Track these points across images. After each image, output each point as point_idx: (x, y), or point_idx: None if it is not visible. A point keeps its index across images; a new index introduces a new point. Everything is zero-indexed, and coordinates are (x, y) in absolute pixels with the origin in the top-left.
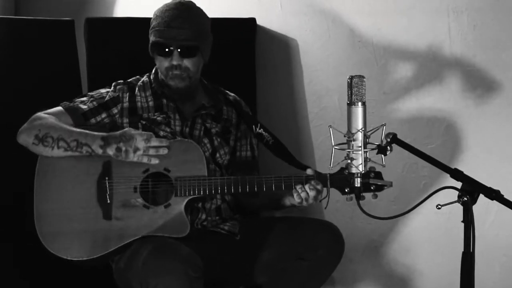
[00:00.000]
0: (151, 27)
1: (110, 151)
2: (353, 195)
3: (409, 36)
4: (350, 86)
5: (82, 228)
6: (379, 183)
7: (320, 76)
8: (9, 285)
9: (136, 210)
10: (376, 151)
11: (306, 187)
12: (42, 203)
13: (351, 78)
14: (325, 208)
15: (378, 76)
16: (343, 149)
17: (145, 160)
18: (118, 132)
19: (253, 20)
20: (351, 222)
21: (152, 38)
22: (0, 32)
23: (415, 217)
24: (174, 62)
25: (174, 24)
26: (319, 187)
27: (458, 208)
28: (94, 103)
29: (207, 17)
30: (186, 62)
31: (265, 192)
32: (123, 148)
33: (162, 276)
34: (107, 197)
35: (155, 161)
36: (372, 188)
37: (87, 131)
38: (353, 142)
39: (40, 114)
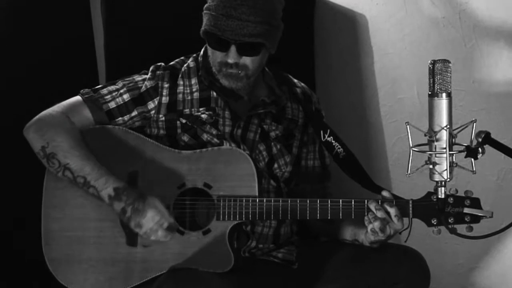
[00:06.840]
0: (206, 6)
1: (117, 207)
2: (441, 228)
3: (504, 10)
4: (432, 73)
5: (99, 256)
6: (476, 214)
7: (395, 60)
8: None
9: None
10: (464, 154)
11: (380, 213)
12: (51, 222)
13: (434, 63)
14: (405, 241)
15: (466, 61)
16: (424, 152)
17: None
18: (135, 193)
19: None
20: (433, 241)
21: (204, 24)
22: (6, 5)
23: None
24: (230, 60)
25: (235, 13)
26: (393, 212)
27: None
28: (125, 96)
29: (281, 1)
30: (245, 60)
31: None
32: (127, 214)
33: None
34: None
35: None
36: (466, 219)
37: (102, 170)
38: (435, 143)
39: (52, 113)
